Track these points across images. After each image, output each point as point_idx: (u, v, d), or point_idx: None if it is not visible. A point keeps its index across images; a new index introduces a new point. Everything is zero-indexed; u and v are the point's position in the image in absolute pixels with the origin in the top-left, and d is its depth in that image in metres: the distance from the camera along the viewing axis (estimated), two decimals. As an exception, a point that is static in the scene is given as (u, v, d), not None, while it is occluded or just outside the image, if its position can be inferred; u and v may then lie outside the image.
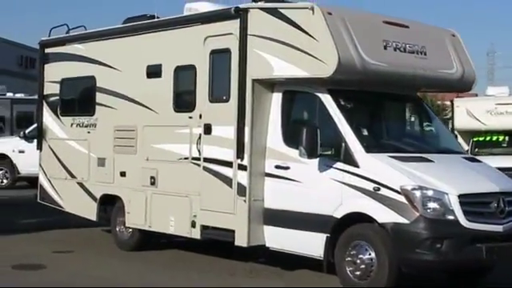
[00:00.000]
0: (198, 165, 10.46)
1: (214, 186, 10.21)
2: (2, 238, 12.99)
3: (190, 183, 10.59)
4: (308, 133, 8.94)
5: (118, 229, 12.20)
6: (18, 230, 13.89)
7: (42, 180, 13.66)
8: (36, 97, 28.97)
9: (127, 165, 11.72)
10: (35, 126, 23.31)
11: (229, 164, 10.00)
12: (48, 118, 13.49)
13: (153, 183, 11.20)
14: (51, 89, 13.44)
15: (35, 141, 22.54)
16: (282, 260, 10.30)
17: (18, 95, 28.67)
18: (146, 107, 11.38)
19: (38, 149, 13.77)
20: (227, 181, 10.01)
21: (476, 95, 30.81)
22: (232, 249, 10.27)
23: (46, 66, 13.59)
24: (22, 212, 16.69)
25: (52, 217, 14.62)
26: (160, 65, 11.18)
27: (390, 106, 10.18)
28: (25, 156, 22.67)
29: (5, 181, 23.21)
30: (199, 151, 10.46)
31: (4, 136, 25.98)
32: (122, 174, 11.80)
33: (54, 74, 13.35)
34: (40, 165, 13.76)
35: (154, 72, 11.27)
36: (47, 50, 13.57)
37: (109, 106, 12.12)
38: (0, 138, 25.12)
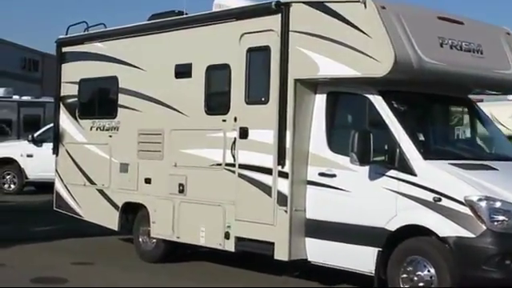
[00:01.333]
0: (233, 171, 9.70)
1: (250, 194, 9.46)
2: (17, 249, 12.26)
3: (223, 191, 9.83)
4: (360, 137, 8.18)
5: (141, 239, 11.44)
6: (33, 239, 13.16)
7: (59, 186, 12.90)
8: (43, 99, 29.13)
9: (153, 171, 10.96)
10: (44, 129, 22.83)
11: (268, 171, 9.25)
12: (65, 120, 12.74)
13: (181, 191, 10.43)
14: (69, 90, 12.69)
15: (44, 145, 22.29)
16: (319, 274, 9.56)
17: (25, 98, 27.96)
18: (174, 109, 10.62)
19: (53, 153, 13.02)
20: (266, 189, 9.26)
21: (481, 100, 29.98)
22: (263, 261, 9.54)
23: (63, 65, 12.84)
24: (33, 219, 15.97)
25: (65, 224, 13.90)
26: (190, 64, 10.42)
27: (444, 110, 9.42)
28: (33, 160, 22.01)
29: (12, 186, 22.44)
30: (234, 157, 9.70)
31: (11, 139, 25.22)
32: (147, 181, 11.04)
33: (72, 74, 12.60)
34: (56, 170, 13.01)
35: (183, 72, 10.51)
36: (65, 49, 12.81)
37: (132, 109, 11.35)
38: (7, 141, 24.33)
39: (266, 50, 9.32)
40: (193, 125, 10.34)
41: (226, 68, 9.88)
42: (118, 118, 11.62)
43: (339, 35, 8.56)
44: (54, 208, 13.06)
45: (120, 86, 11.59)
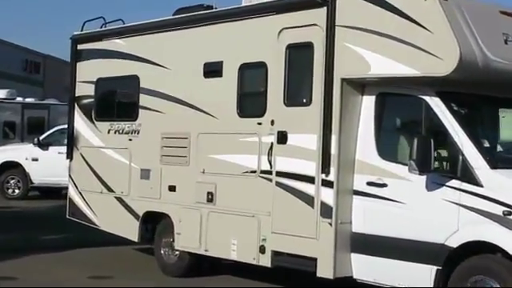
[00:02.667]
0: (270, 179, 8.87)
1: (289, 205, 8.63)
2: (29, 260, 11.44)
3: (258, 201, 9.00)
4: (420, 144, 7.36)
5: (162, 251, 10.61)
6: (44, 249, 12.37)
7: (72, 193, 12.06)
8: (47, 101, 28.31)
9: (178, 178, 10.12)
10: (50, 132, 22.01)
11: (310, 179, 8.42)
12: (80, 122, 11.90)
13: (210, 200, 9.60)
14: (84, 90, 11.85)
15: (50, 148, 21.48)
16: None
17: (29, 100, 27.20)
18: (203, 111, 9.79)
19: (67, 158, 12.17)
20: (308, 199, 8.43)
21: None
22: (301, 277, 8.73)
23: (78, 64, 12.01)
24: (41, 227, 15.16)
25: (76, 232, 13.11)
26: (221, 62, 9.59)
27: (509, 113, 8.56)
28: (38, 164, 21.22)
29: (17, 191, 21.57)
30: (271, 163, 8.87)
31: (15, 143, 24.37)
32: (171, 189, 10.20)
33: (88, 73, 11.77)
34: (70, 176, 12.17)
35: (213, 71, 9.68)
36: (80, 47, 11.98)
37: (155, 110, 10.52)
38: (11, 144, 23.49)
39: (308, 46, 8.50)
40: (223, 128, 9.51)
41: (261, 66, 9.06)
42: (139, 120, 10.79)
43: (394, 30, 7.74)
44: (67, 216, 12.22)
45: (141, 85, 10.76)
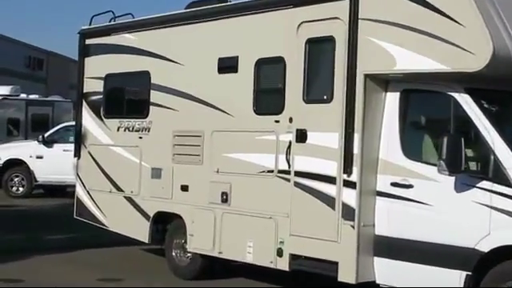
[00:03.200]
0: (288, 179, 8.50)
1: (309, 206, 8.26)
2: (35, 261, 11.12)
3: (275, 202, 8.64)
4: (451, 143, 6.99)
5: (174, 253, 10.27)
6: (50, 250, 12.02)
7: (80, 193, 11.70)
8: (52, 98, 27.94)
9: (190, 177, 9.76)
10: (55, 129, 21.64)
11: (331, 180, 8.05)
12: (88, 120, 11.54)
13: (225, 200, 9.24)
14: (93, 86, 11.49)
15: (55, 145, 21.12)
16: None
17: (33, 96, 26.85)
18: (217, 108, 9.43)
19: (75, 156, 11.81)
20: (328, 200, 8.06)
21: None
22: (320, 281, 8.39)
23: (86, 59, 11.64)
24: (47, 226, 14.78)
25: (82, 232, 12.76)
26: (236, 57, 9.22)
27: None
28: (43, 162, 20.86)
29: (21, 189, 21.20)
30: (289, 163, 8.50)
31: (19, 140, 24.01)
32: (184, 189, 9.84)
33: (97, 68, 11.41)
34: (77, 175, 11.80)
35: (228, 66, 9.32)
36: (88, 41, 11.61)
37: (167, 107, 10.16)
38: (15, 141, 23.11)
39: (329, 40, 8.13)
40: (239, 126, 9.15)
41: (279, 62, 8.69)
42: (150, 117, 10.43)
43: (422, 23, 7.36)
44: (75, 216, 11.86)
45: (152, 81, 10.40)
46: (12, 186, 21.17)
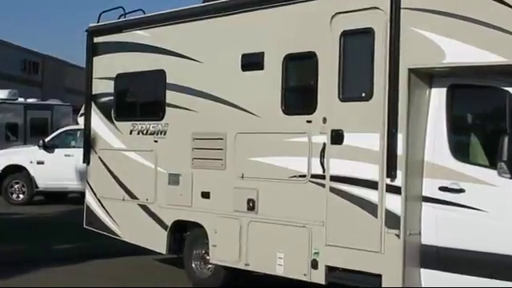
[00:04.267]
0: (322, 185, 7.82)
1: (347, 213, 7.58)
2: (40, 273, 10.50)
3: (308, 209, 7.96)
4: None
5: (194, 264, 9.58)
6: (56, 261, 11.39)
7: (90, 200, 11.00)
8: (50, 102, 27.19)
9: (212, 183, 9.07)
10: (56, 133, 20.90)
11: (372, 184, 7.37)
12: (98, 123, 10.84)
13: (251, 208, 8.55)
14: (102, 87, 10.80)
15: (56, 150, 20.37)
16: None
17: (31, 100, 26.14)
18: (241, 109, 8.74)
19: (84, 162, 11.12)
20: (369, 207, 7.38)
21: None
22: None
23: (95, 58, 10.93)
24: (52, 234, 14.17)
25: (89, 240, 12.11)
26: (262, 53, 8.53)
27: None
28: (44, 168, 20.10)
29: (21, 196, 20.40)
30: (323, 166, 7.81)
31: (18, 145, 23.26)
32: (205, 196, 9.15)
33: (107, 68, 10.71)
34: (87, 182, 11.12)
35: (252, 63, 8.63)
36: (97, 39, 10.90)
37: (185, 108, 9.47)
38: (15, 147, 22.36)
39: (368, 32, 7.45)
40: (266, 127, 8.46)
41: (311, 57, 8.01)
42: (166, 119, 9.73)
43: (475, 12, 6.69)
44: (84, 225, 11.16)
45: (168, 81, 9.71)
46: (12, 193, 20.39)
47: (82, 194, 20.22)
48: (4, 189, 20.27)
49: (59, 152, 20.07)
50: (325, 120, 7.82)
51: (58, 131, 21.05)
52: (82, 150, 19.03)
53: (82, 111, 23.02)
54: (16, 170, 20.36)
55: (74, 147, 20.14)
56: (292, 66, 8.28)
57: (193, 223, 9.38)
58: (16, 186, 20.38)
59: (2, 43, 43.46)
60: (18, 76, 44.37)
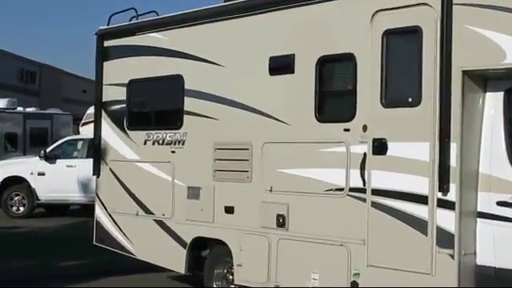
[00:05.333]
0: (363, 199, 7.11)
1: (392, 231, 6.87)
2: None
3: (347, 225, 7.25)
4: None
5: (215, 285, 8.85)
6: (63, 279, 10.70)
7: (100, 216, 10.27)
8: (50, 111, 26.44)
9: (237, 197, 8.37)
10: (58, 143, 20.13)
11: (421, 199, 6.66)
12: (109, 132, 10.12)
13: (281, 224, 7.83)
14: (114, 94, 10.09)
15: (58, 161, 19.62)
16: None
17: (30, 109, 25.43)
18: (269, 116, 8.04)
19: (94, 174, 10.37)
20: (418, 224, 6.67)
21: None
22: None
23: (105, 64, 10.23)
24: (57, 250, 13.45)
25: (97, 256, 11.39)
26: (292, 55, 7.83)
27: None
28: (45, 179, 19.33)
29: (21, 208, 19.63)
30: (364, 179, 7.10)
31: (17, 156, 22.51)
32: (229, 211, 8.44)
33: (119, 74, 10.01)
34: (97, 195, 10.37)
35: (281, 66, 7.93)
36: (108, 43, 10.20)
37: (205, 116, 8.77)
38: (14, 158, 21.60)
39: (415, 32, 6.75)
40: (297, 136, 7.75)
41: (348, 59, 7.31)
42: (184, 128, 9.02)
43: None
44: (94, 242, 10.42)
45: (187, 87, 9.01)
46: (12, 206, 19.63)
47: (84, 207, 19.82)
48: (3, 201, 19.52)
49: (61, 163, 19.36)
50: (365, 128, 7.12)
51: (60, 141, 20.31)
52: (84, 160, 19.04)
53: (83, 120, 22.52)
54: (16, 182, 19.62)
55: (76, 158, 19.49)
56: (327, 68, 7.58)
57: (215, 240, 8.66)
58: (16, 199, 19.64)
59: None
60: (15, 85, 43.65)
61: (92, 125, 20.88)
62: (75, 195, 19.09)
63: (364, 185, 7.11)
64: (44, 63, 50.50)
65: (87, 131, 21.04)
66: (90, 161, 18.00)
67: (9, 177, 19.65)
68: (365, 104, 7.14)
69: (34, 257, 12.64)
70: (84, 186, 18.81)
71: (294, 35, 7.87)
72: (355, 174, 7.18)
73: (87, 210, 19.22)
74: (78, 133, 23.31)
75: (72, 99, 48.63)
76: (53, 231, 16.81)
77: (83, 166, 18.65)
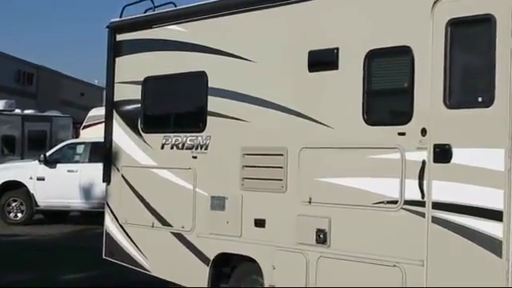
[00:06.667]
0: (421, 213, 6.19)
1: (457, 250, 5.96)
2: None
3: (401, 244, 6.34)
4: None
5: (242, 307, 7.91)
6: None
7: (111, 227, 9.32)
8: (49, 113, 25.51)
9: (269, 209, 7.44)
10: (59, 147, 19.15)
11: (493, 215, 5.75)
12: (121, 135, 9.18)
13: (322, 240, 6.91)
14: (127, 93, 9.15)
15: (58, 166, 18.66)
16: None
17: (29, 111, 24.52)
18: (307, 117, 7.11)
19: (104, 181, 9.41)
20: (490, 244, 5.76)
21: None
22: None
23: (118, 59, 9.28)
24: (60, 261, 12.60)
25: (104, 268, 10.39)
26: (335, 50, 6.91)
27: None
28: (45, 184, 18.38)
29: (19, 215, 18.66)
30: (423, 191, 6.18)
31: (15, 160, 21.55)
32: (259, 224, 7.51)
33: (133, 70, 9.07)
34: (107, 204, 9.41)
35: (322, 61, 7.01)
36: (121, 37, 9.26)
37: (232, 117, 7.84)
38: (12, 161, 20.64)
39: (486, 21, 5.84)
40: (341, 140, 6.83)
41: (404, 53, 6.38)
42: (208, 131, 8.09)
43: None
44: (104, 256, 9.46)
45: (210, 85, 8.08)
46: (9, 212, 18.67)
47: (84, 213, 18.86)
48: (0, 207, 18.59)
49: (61, 167, 18.42)
50: (424, 132, 6.20)
51: (60, 145, 19.36)
52: (86, 165, 18.11)
53: (85, 123, 21.60)
54: (14, 187, 18.66)
55: (77, 162, 18.56)
56: (378, 64, 6.65)
57: (242, 257, 7.72)
58: (14, 204, 18.68)
59: (-4, 54, 41.88)
60: (12, 87, 42.75)
61: (94, 128, 20.63)
62: (76, 201, 18.17)
63: (423, 197, 6.19)
64: (41, 65, 49.60)
65: (88, 134, 20.22)
66: (93, 165, 17.71)
67: (6, 181, 18.69)
68: (424, 104, 6.22)
69: (34, 268, 11.75)
70: (86, 192, 17.91)
71: (338, 26, 6.95)
72: (412, 184, 6.25)
73: (88, 216, 18.39)
74: (77, 136, 22.47)
75: (70, 102, 47.80)
76: (54, 240, 15.85)
77: (85, 171, 17.82)
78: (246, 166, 7.67)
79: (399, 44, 6.43)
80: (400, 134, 6.36)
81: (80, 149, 18.96)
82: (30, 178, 18.51)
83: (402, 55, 6.40)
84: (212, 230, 7.97)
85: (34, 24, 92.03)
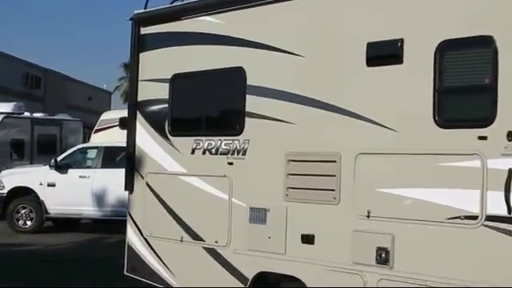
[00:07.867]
0: (508, 231, 5.29)
1: (554, 276, 5.05)
2: None
3: (482, 265, 5.45)
4: None
5: (285, 332, 7.01)
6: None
7: (134, 240, 8.43)
8: (59, 117, 24.66)
9: (318, 223, 6.56)
10: (70, 151, 18.25)
11: None
12: (146, 139, 8.30)
13: (383, 261, 6.02)
14: (153, 92, 8.28)
15: (69, 171, 17.78)
16: None
17: (38, 114, 23.74)
18: (365, 119, 6.23)
19: (126, 189, 8.52)
20: None
21: None
22: None
23: (142, 55, 8.41)
24: (74, 273, 11.64)
25: (122, 283, 9.41)
26: (399, 41, 6.03)
27: None
28: (55, 191, 17.51)
29: (28, 222, 17.77)
30: (509, 205, 5.28)
31: (25, 165, 20.70)
32: (307, 240, 6.62)
33: (160, 67, 8.19)
34: (129, 215, 8.54)
35: (384, 55, 6.13)
36: (145, 30, 8.39)
37: (274, 119, 6.96)
38: (22, 167, 19.79)
39: None
40: (407, 145, 5.94)
41: (485, 44, 5.51)
42: (246, 134, 7.21)
43: None
44: (126, 272, 8.57)
45: (249, 82, 7.19)
46: (18, 220, 17.78)
47: (95, 221, 18.01)
48: (9, 214, 17.71)
49: (73, 173, 17.56)
50: (510, 135, 5.32)
51: (72, 149, 18.50)
52: (98, 170, 17.25)
53: (96, 127, 20.77)
54: (23, 193, 17.78)
55: (89, 167, 17.71)
56: (452, 57, 5.76)
57: (287, 277, 6.82)
58: (23, 212, 17.78)
59: (3, 56, 41.07)
60: (20, 90, 42.06)
61: (105, 132, 19.81)
62: (89, 209, 17.31)
63: (509, 212, 5.29)
64: (49, 68, 48.92)
65: (100, 139, 19.40)
66: (106, 171, 16.87)
67: (15, 187, 17.83)
68: (509, 103, 5.34)
69: (47, 282, 10.85)
70: (99, 199, 17.06)
71: (403, 13, 6.07)
72: (495, 197, 5.37)
73: (99, 224, 17.55)
74: (88, 140, 21.67)
75: (77, 106, 47.16)
76: (66, 250, 14.99)
77: (98, 177, 17.00)
78: (291, 174, 6.78)
79: (478, 33, 5.55)
80: (480, 137, 5.48)
81: (92, 153, 18.12)
82: (40, 184, 17.66)
83: (482, 47, 5.53)
84: (251, 245, 7.09)
85: (41, 28, 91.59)
